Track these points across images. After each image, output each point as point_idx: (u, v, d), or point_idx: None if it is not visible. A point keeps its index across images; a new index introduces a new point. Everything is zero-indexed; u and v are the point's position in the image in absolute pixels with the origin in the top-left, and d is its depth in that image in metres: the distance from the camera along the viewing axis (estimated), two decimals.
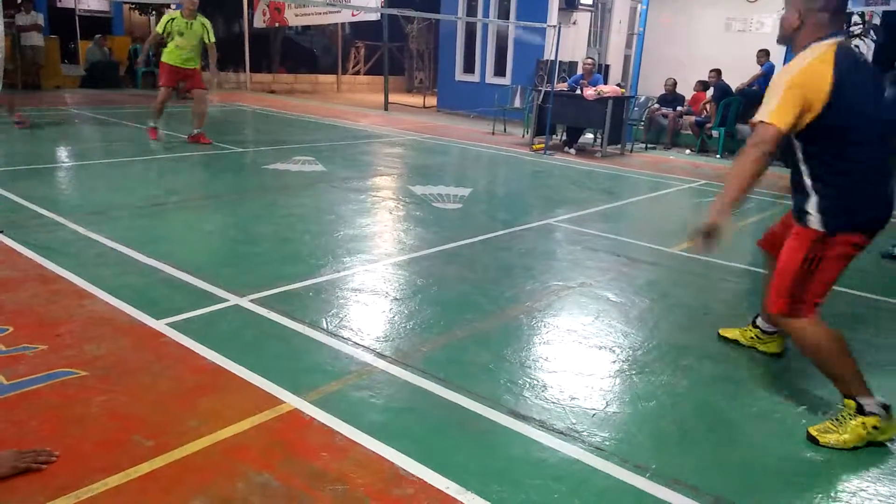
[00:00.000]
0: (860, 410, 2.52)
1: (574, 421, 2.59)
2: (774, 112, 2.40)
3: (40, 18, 13.83)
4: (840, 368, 2.57)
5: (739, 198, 2.49)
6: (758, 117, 2.45)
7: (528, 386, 2.85)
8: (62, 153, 7.76)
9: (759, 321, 3.37)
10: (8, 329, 3.06)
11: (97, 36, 15.46)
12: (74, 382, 2.64)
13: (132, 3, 17.24)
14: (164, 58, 8.39)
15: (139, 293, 3.55)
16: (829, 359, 2.58)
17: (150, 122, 8.71)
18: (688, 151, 10.69)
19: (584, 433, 2.51)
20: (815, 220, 2.56)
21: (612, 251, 4.92)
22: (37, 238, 4.36)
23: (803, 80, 2.40)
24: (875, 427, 2.50)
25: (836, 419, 2.57)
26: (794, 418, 2.77)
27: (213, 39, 8.42)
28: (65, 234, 4.54)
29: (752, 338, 3.38)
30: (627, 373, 3.05)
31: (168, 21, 8.28)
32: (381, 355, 3.04)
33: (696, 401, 2.85)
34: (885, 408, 2.52)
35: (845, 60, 2.44)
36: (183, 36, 8.20)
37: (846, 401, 2.57)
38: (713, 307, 4.02)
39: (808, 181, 2.62)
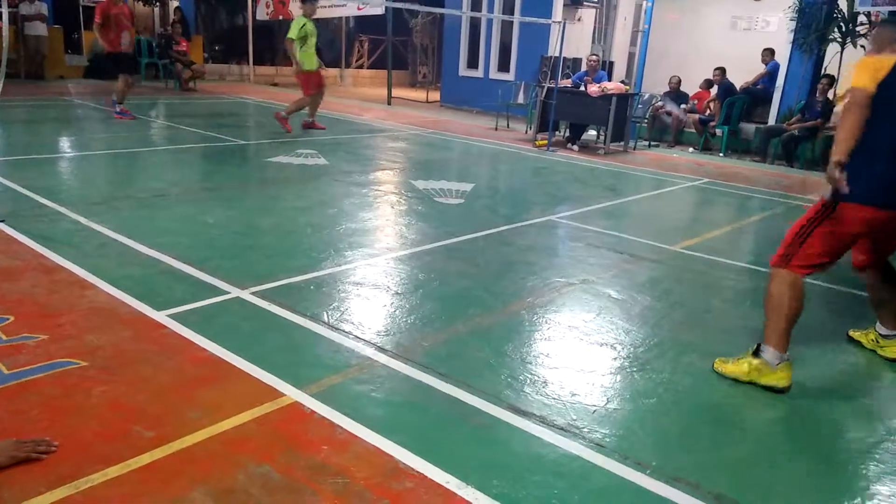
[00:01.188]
0: (755, 353, 2.98)
1: (575, 417, 2.59)
2: (854, 80, 2.85)
3: (44, 8, 13.80)
4: (775, 322, 2.97)
5: (847, 151, 2.81)
6: (850, 85, 2.90)
7: (528, 381, 2.84)
8: (64, 143, 7.76)
9: (877, 325, 3.42)
10: (9, 318, 3.05)
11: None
12: (75, 372, 2.64)
13: None
14: (308, 65, 9.15)
15: (140, 284, 3.55)
16: (773, 311, 2.99)
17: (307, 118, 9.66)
18: (691, 149, 10.67)
19: (585, 429, 2.51)
20: (829, 189, 2.87)
21: (615, 248, 4.91)
22: (38, 228, 4.36)
23: (874, 62, 2.87)
24: (757, 370, 2.94)
25: (737, 359, 3.04)
26: (798, 414, 2.76)
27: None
28: (66, 224, 4.53)
29: (872, 340, 3.44)
30: (628, 370, 3.04)
31: (301, 26, 8.92)
32: (382, 349, 3.03)
33: (698, 398, 2.84)
34: (781, 362, 2.92)
35: None
36: (312, 36, 9.06)
37: (752, 347, 3.02)
38: (715, 305, 4.01)
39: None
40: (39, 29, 13.63)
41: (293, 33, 8.92)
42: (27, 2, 13.44)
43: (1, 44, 4.54)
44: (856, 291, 4.24)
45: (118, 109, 9.33)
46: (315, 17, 9.44)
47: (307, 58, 9.16)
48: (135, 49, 9.82)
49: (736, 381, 2.98)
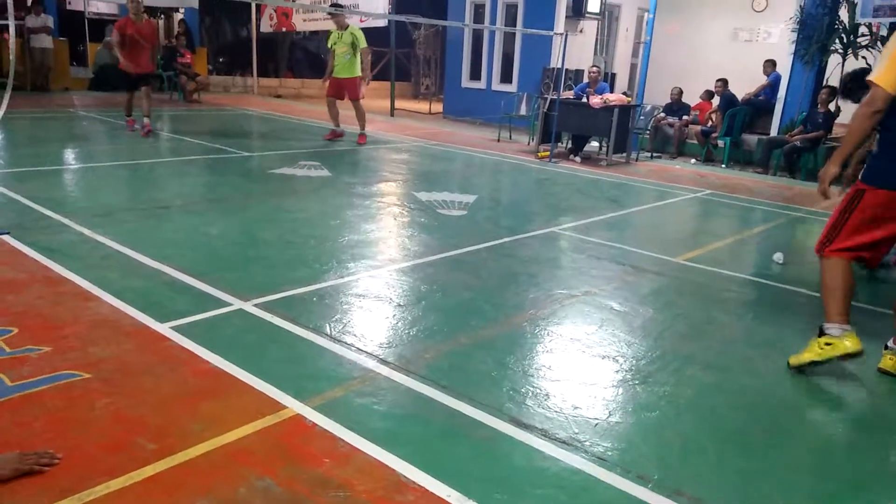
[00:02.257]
0: (820, 332, 3.16)
1: (577, 430, 2.59)
2: (882, 75, 2.88)
3: (50, 21, 13.91)
4: (831, 302, 3.17)
5: (852, 151, 3.07)
6: (870, 77, 2.94)
7: (530, 394, 2.84)
8: (69, 155, 7.80)
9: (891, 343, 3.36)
10: (13, 330, 3.07)
11: (106, 39, 15.52)
12: (78, 385, 2.65)
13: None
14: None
15: (144, 296, 3.57)
16: (828, 293, 3.19)
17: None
18: (693, 161, 10.69)
19: (587, 443, 2.50)
20: (862, 175, 3.09)
21: (617, 260, 4.91)
22: (43, 240, 4.38)
23: None
24: (827, 343, 3.09)
25: (807, 347, 3.20)
26: (800, 429, 2.76)
27: (363, 45, 9.73)
28: (71, 235, 4.55)
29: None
30: (631, 382, 3.04)
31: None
32: (384, 361, 3.04)
33: (700, 411, 2.84)
34: (844, 332, 3.08)
35: None
36: (336, 45, 9.62)
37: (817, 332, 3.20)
38: (717, 317, 4.01)
39: (874, 146, 3.12)
40: (45, 41, 13.74)
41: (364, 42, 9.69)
42: (33, 14, 13.55)
43: (9, 57, 4.58)
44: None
45: (144, 123, 9.21)
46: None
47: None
48: (155, 67, 9.69)
49: (746, 394, 2.97)
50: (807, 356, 3.17)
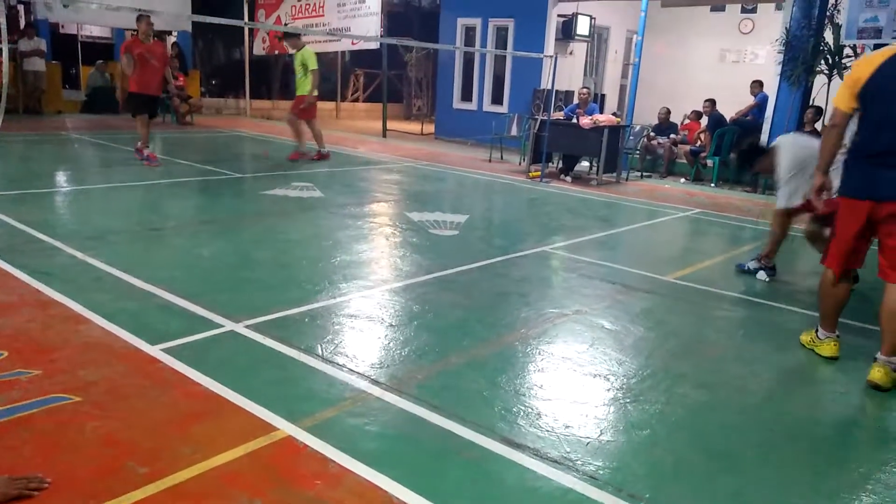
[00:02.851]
0: (817, 331, 3.74)
1: (568, 449, 2.59)
2: (837, 98, 3.44)
3: (43, 44, 13.97)
4: (821, 309, 3.71)
5: (829, 161, 3.54)
6: (834, 99, 3.52)
7: (522, 414, 2.85)
8: (61, 178, 7.80)
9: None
10: (3, 354, 3.05)
11: (99, 62, 15.61)
12: (68, 408, 2.64)
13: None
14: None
15: (135, 318, 3.56)
16: (820, 300, 3.72)
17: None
18: (683, 180, 10.78)
19: (579, 462, 2.51)
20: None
21: (608, 279, 4.94)
22: (34, 262, 4.37)
23: (849, 77, 3.43)
24: (813, 341, 3.75)
25: (809, 328, 3.85)
26: (791, 449, 2.77)
27: (313, 66, 9.82)
28: (62, 258, 4.55)
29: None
30: (622, 401, 3.05)
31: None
32: (375, 382, 3.04)
33: (691, 429, 2.85)
34: (827, 338, 3.67)
35: (888, 66, 3.25)
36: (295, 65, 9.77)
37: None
38: (708, 335, 4.03)
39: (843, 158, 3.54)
40: (38, 65, 13.78)
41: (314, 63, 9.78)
42: (26, 38, 13.61)
43: (1, 80, 4.61)
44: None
45: (145, 154, 8.70)
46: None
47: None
48: (161, 92, 9.16)
49: (736, 412, 2.99)
50: (803, 338, 3.83)
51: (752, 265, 5.29)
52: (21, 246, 4.74)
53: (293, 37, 10.22)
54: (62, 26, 16.49)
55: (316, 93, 10.04)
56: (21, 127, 11.56)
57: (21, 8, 15.24)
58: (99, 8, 14.85)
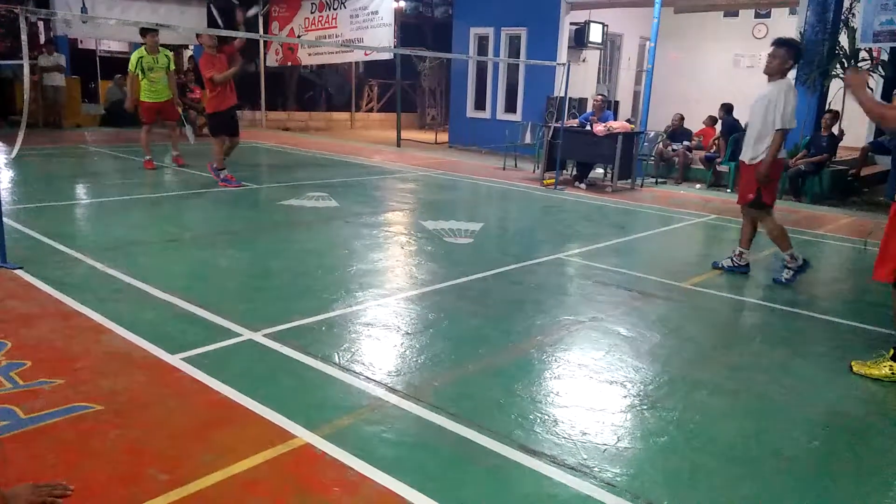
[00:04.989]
0: (893, 357, 3.42)
1: (585, 456, 2.59)
2: None
3: (62, 59, 14.20)
4: None
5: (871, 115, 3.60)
6: None
7: (539, 421, 2.85)
8: (81, 190, 7.92)
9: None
10: (26, 363, 3.11)
11: (117, 76, 15.81)
12: (91, 416, 2.68)
13: (142, 45, 17.65)
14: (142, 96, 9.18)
15: (155, 328, 3.61)
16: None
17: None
18: (698, 186, 10.73)
19: (596, 469, 2.51)
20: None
21: (624, 286, 4.93)
22: (56, 274, 4.44)
23: None
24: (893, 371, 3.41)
25: (875, 361, 3.49)
26: (808, 454, 2.75)
27: (173, 68, 9.42)
28: (83, 269, 4.62)
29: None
30: (639, 408, 3.04)
31: (137, 59, 9.07)
32: (392, 390, 3.06)
33: (709, 436, 2.83)
34: None
35: None
36: (153, 71, 9.07)
37: (890, 351, 3.46)
38: (725, 342, 4.01)
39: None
40: (57, 80, 14.01)
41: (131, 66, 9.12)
42: (46, 54, 13.85)
43: (23, 98, 4.70)
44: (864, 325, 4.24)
45: (222, 176, 8.34)
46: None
47: (144, 88, 9.15)
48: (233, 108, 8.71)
49: (754, 419, 2.97)
50: (873, 372, 3.45)
51: (786, 276, 5.17)
52: (43, 258, 4.81)
53: (149, 35, 9.08)
54: (81, 42, 16.77)
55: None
56: (41, 141, 11.75)
57: (41, 24, 15.53)
58: (117, 23, 15.12)
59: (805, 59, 10.22)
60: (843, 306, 4.81)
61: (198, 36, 8.53)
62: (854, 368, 3.52)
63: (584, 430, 2.80)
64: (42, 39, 15.38)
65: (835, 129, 9.62)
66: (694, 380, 3.37)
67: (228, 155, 8.61)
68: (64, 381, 2.95)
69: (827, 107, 10.27)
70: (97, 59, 16.85)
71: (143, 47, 9.16)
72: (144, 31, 9.16)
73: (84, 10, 14.78)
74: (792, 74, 10.35)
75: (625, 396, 3.15)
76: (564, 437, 2.72)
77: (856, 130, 11.95)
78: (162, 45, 9.47)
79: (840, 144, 9.93)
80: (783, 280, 5.14)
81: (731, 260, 5.46)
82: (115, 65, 16.82)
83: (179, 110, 10.48)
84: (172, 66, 9.46)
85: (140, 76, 9.06)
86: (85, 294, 4.08)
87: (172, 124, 9.78)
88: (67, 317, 3.73)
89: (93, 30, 15.71)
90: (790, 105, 4.94)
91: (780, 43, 5.11)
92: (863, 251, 6.54)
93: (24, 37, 4.96)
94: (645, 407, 3.05)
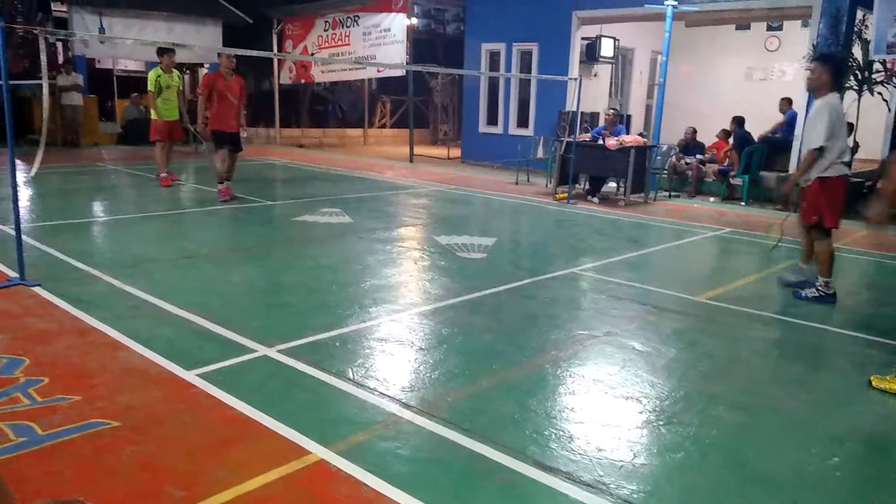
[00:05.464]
0: None
1: (601, 473, 2.57)
2: None
3: (80, 79, 14.44)
4: None
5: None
6: None
7: (554, 437, 2.84)
8: (97, 208, 8.01)
9: None
10: (44, 380, 3.14)
11: (133, 95, 16.05)
12: (107, 433, 2.70)
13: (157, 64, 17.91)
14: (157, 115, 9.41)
15: (171, 344, 3.63)
16: None
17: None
18: (712, 199, 10.68)
19: (612, 485, 2.48)
20: None
21: (638, 300, 4.91)
22: (73, 291, 4.49)
23: None
24: None
25: (894, 375, 3.43)
26: (827, 470, 2.71)
27: (180, 88, 9.64)
28: (100, 286, 4.66)
29: None
30: (655, 423, 3.02)
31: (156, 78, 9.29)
32: (406, 405, 3.05)
33: (726, 452, 2.80)
34: None
35: None
36: (168, 89, 9.32)
37: None
38: (741, 356, 3.97)
39: None
40: (75, 99, 14.23)
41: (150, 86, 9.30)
42: (64, 73, 14.08)
43: (42, 117, 4.78)
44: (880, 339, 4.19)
45: (217, 189, 8.52)
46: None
47: (158, 107, 9.36)
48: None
49: (772, 434, 2.94)
50: (895, 387, 3.40)
51: (809, 293, 5.07)
52: (61, 275, 4.87)
53: (166, 55, 9.30)
54: (98, 61, 17.02)
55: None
56: (59, 159, 11.91)
57: (59, 45, 15.80)
58: (134, 43, 15.36)
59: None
60: (860, 320, 4.76)
61: (219, 55, 8.67)
62: (873, 383, 3.47)
63: (600, 445, 2.78)
64: (60, 59, 15.66)
65: (849, 141, 9.55)
66: (710, 395, 3.34)
67: (231, 171, 8.65)
68: (81, 398, 2.98)
69: None
70: (114, 78, 17.10)
71: (158, 66, 9.32)
72: (162, 52, 9.34)
73: (101, 30, 15.04)
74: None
75: (641, 412, 3.13)
76: (580, 454, 2.71)
77: (871, 143, 11.87)
78: (178, 64, 9.65)
79: (855, 157, 9.84)
80: (803, 296, 5.06)
81: (817, 290, 5.05)
82: (132, 84, 17.07)
83: (192, 128, 10.57)
84: (180, 87, 9.64)
85: (156, 94, 9.24)
86: (102, 311, 4.12)
87: (177, 143, 9.81)
88: (84, 333, 3.76)
89: (110, 50, 15.97)
90: (822, 123, 4.76)
91: (815, 58, 5.04)
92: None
93: (43, 57, 5.04)
94: (661, 422, 3.03)
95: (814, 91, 4.95)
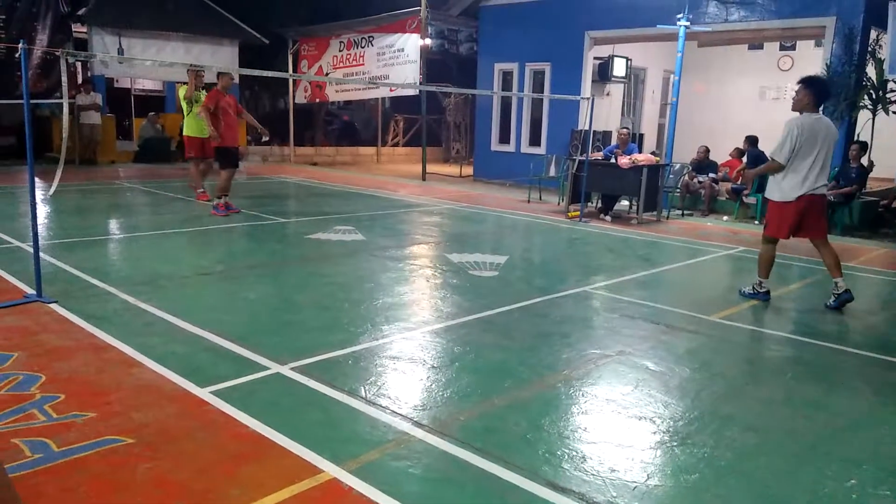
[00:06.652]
0: None
1: (615, 494, 2.55)
2: None
3: (99, 98, 14.68)
4: None
5: None
6: None
7: (566, 457, 2.82)
8: (114, 225, 8.11)
9: None
10: (60, 397, 3.17)
11: (151, 113, 16.29)
12: (121, 450, 2.72)
13: (183, 83, 18.12)
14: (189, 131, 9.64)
15: (185, 361, 3.66)
16: None
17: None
18: (725, 218, 10.64)
19: None
20: None
21: (651, 319, 4.89)
22: (89, 308, 4.54)
23: None
24: None
25: None
26: (843, 493, 2.68)
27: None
28: (115, 303, 4.71)
29: None
30: (668, 444, 3.00)
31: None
32: (418, 424, 3.05)
33: (740, 474, 2.78)
34: None
35: None
36: (198, 104, 9.38)
37: None
38: (756, 376, 3.94)
39: None
40: (94, 118, 14.46)
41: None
42: (83, 93, 14.32)
43: (62, 136, 4.86)
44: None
45: (214, 203, 8.87)
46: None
47: (188, 124, 9.66)
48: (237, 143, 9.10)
49: (787, 457, 2.91)
50: None
51: (746, 290, 5.54)
52: (77, 292, 4.93)
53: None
54: (117, 80, 17.30)
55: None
56: (77, 177, 12.08)
57: (79, 65, 16.07)
58: (153, 64, 15.60)
59: (832, 91, 10.19)
60: (876, 340, 4.71)
61: (219, 75, 8.86)
62: None
63: (613, 466, 2.76)
64: (80, 79, 15.93)
65: (864, 161, 9.51)
66: (724, 415, 3.31)
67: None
68: (96, 414, 3.00)
69: (855, 138, 10.18)
70: (132, 97, 17.36)
71: (186, 85, 9.53)
72: (196, 71, 9.63)
73: (121, 51, 15.30)
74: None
75: (654, 432, 3.11)
76: (593, 474, 2.69)
77: (886, 161, 11.80)
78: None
79: (871, 175, 9.80)
80: (742, 292, 5.60)
81: (753, 287, 5.60)
82: (149, 103, 17.33)
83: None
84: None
85: (187, 110, 9.53)
86: (117, 327, 4.17)
87: (210, 161, 9.90)
88: (100, 350, 3.80)
89: (129, 69, 16.23)
90: (786, 138, 5.19)
91: (799, 81, 5.42)
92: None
93: (64, 78, 5.13)
94: (675, 443, 3.00)
95: (799, 112, 5.30)
